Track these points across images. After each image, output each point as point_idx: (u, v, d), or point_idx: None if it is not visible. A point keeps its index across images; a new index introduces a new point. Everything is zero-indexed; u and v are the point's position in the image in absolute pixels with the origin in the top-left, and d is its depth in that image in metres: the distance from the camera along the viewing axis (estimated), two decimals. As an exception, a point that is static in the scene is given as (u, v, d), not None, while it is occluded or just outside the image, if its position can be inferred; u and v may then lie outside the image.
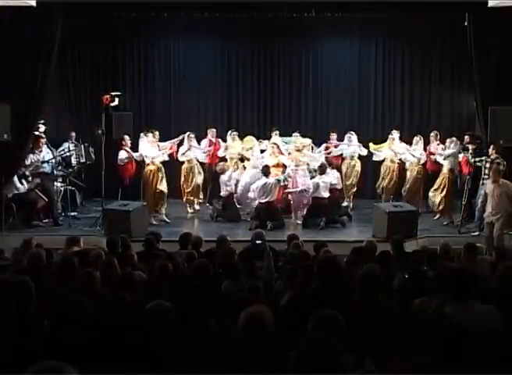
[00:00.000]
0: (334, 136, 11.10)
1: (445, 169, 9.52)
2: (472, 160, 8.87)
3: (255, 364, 2.72)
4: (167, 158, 10.06)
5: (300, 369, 2.38)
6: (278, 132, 10.90)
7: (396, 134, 10.62)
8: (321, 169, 9.60)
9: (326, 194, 9.49)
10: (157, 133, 10.02)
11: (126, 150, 10.11)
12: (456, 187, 9.70)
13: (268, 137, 10.86)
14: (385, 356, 2.75)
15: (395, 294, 4.35)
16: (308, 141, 10.40)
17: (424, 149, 10.26)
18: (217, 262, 5.47)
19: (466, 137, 9.87)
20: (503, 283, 4.04)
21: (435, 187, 9.62)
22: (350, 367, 2.65)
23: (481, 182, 8.69)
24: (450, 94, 12.12)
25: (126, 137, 10.26)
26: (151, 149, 9.79)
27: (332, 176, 9.79)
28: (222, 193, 9.93)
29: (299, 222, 9.61)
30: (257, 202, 9.51)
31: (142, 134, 9.94)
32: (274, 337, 2.91)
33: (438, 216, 9.72)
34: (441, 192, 9.49)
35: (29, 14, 8.63)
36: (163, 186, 9.77)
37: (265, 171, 9.51)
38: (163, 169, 9.86)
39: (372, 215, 9.34)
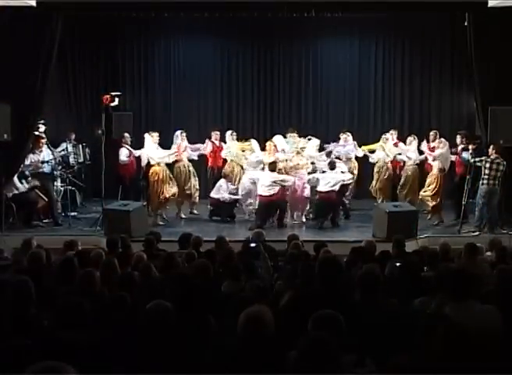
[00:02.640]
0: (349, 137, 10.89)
1: (434, 170, 9.47)
2: (472, 160, 8.87)
3: (255, 364, 2.72)
4: (171, 160, 9.94)
5: (300, 369, 2.38)
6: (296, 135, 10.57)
7: (389, 136, 10.63)
8: (331, 165, 9.54)
9: (335, 188, 9.42)
10: (156, 134, 9.84)
11: (126, 148, 10.08)
12: (447, 186, 9.64)
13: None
14: (385, 356, 2.74)
15: (388, 283, 4.35)
16: (317, 142, 10.19)
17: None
18: (217, 262, 5.47)
19: (458, 136, 9.80)
20: (503, 283, 4.04)
21: (425, 187, 9.59)
22: (350, 367, 2.65)
23: (480, 182, 8.69)
24: (450, 94, 12.12)
25: (127, 135, 10.26)
26: (157, 150, 9.67)
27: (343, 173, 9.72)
28: (215, 195, 9.88)
29: (295, 222, 9.69)
30: (257, 200, 9.51)
31: (146, 135, 9.78)
32: (274, 337, 2.90)
33: (430, 216, 9.71)
34: (431, 192, 9.44)
35: (29, 14, 8.62)
36: (173, 190, 9.65)
37: (272, 167, 9.47)
38: (168, 171, 9.72)
39: (372, 215, 9.35)
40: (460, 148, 9.57)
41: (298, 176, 9.69)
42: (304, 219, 9.83)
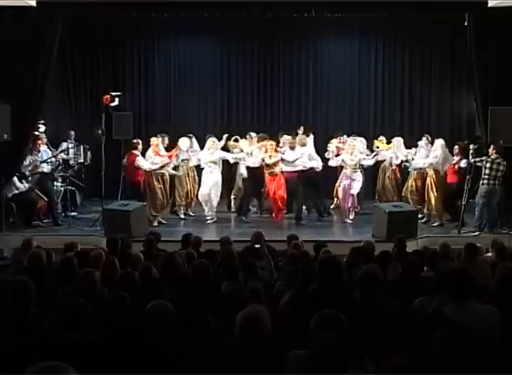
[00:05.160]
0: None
1: (430, 171, 9.34)
2: (472, 160, 8.87)
3: (253, 364, 2.72)
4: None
5: (313, 369, 2.39)
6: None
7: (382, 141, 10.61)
8: (291, 145, 9.80)
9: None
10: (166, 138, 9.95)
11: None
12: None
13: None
14: (385, 356, 2.75)
15: (388, 283, 4.36)
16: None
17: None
18: (217, 262, 5.47)
19: (456, 147, 9.56)
20: (503, 283, 4.04)
21: (418, 189, 9.51)
22: (350, 367, 2.65)
23: (480, 182, 8.69)
24: (450, 94, 12.11)
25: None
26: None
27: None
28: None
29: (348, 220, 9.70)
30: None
31: (160, 138, 9.63)
32: (271, 337, 2.90)
33: (425, 218, 9.54)
34: (427, 194, 9.35)
35: (29, 14, 8.63)
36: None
37: (303, 143, 9.68)
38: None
39: (372, 215, 9.35)
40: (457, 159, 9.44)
41: (355, 175, 9.68)
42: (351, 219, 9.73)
